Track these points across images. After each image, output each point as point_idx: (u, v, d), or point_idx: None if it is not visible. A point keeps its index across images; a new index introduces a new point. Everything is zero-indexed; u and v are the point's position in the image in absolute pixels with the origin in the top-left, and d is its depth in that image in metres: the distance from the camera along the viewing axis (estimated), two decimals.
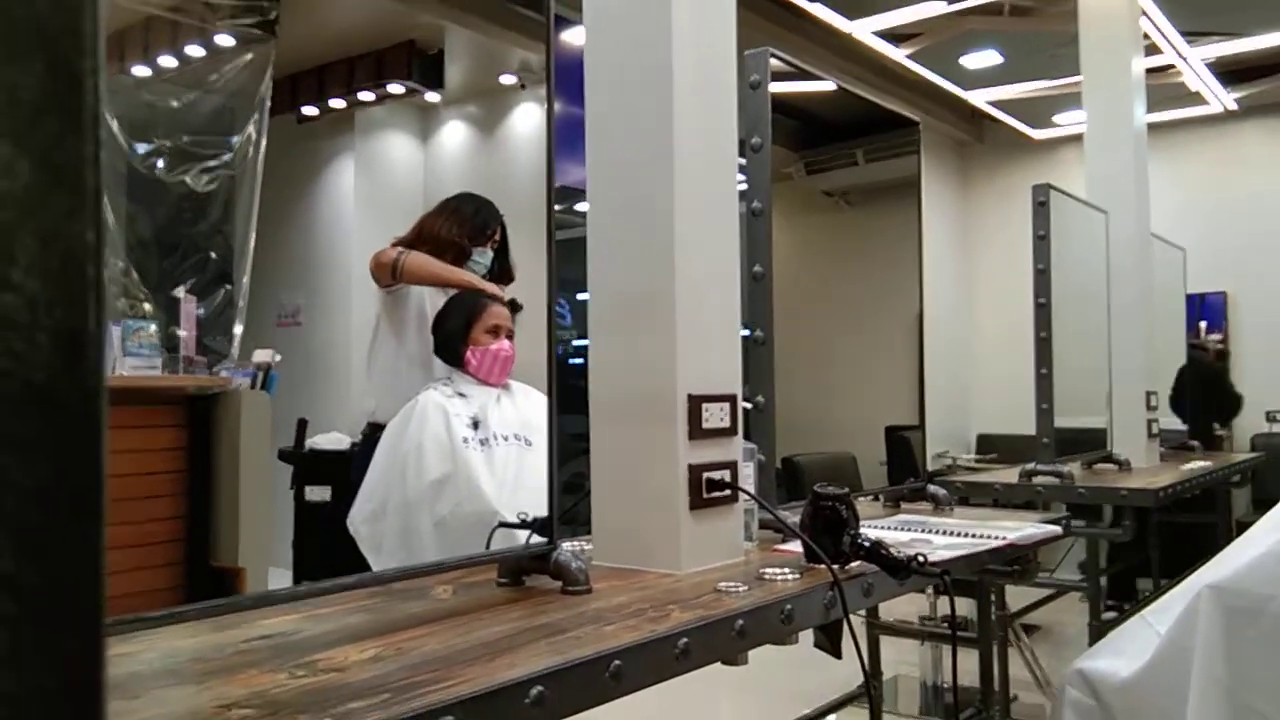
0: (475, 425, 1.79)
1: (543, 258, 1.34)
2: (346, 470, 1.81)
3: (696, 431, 1.49)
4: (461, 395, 1.84)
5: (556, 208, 1.35)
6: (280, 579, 1.73)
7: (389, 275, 1.87)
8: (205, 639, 1.06)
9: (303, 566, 1.82)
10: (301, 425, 1.94)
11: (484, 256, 1.94)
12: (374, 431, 1.82)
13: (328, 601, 1.22)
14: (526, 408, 1.88)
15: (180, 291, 2.11)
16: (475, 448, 1.77)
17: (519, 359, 1.92)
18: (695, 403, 1.49)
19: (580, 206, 1.64)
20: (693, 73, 1.53)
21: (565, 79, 1.43)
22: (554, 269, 1.35)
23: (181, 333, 2.06)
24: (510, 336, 1.92)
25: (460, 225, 1.93)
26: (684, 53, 1.51)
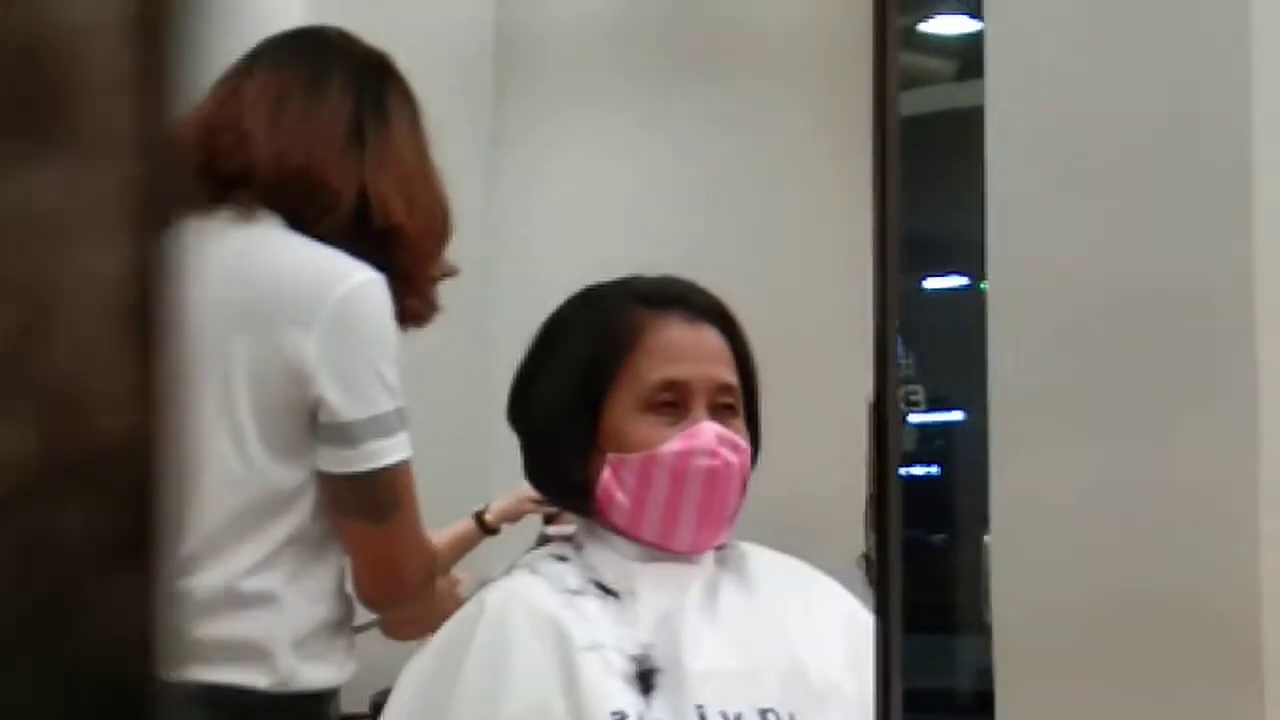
0: (646, 680, 0.97)
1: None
2: None
3: None
4: (602, 589, 1.04)
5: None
6: None
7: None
8: None
9: None
10: None
11: None
12: None
13: None
14: (785, 617, 1.04)
15: None
16: None
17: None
18: None
19: (940, 26, 1.14)
20: None
21: None
22: (894, 214, 0.68)
23: None
24: (729, 408, 1.09)
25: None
26: None
